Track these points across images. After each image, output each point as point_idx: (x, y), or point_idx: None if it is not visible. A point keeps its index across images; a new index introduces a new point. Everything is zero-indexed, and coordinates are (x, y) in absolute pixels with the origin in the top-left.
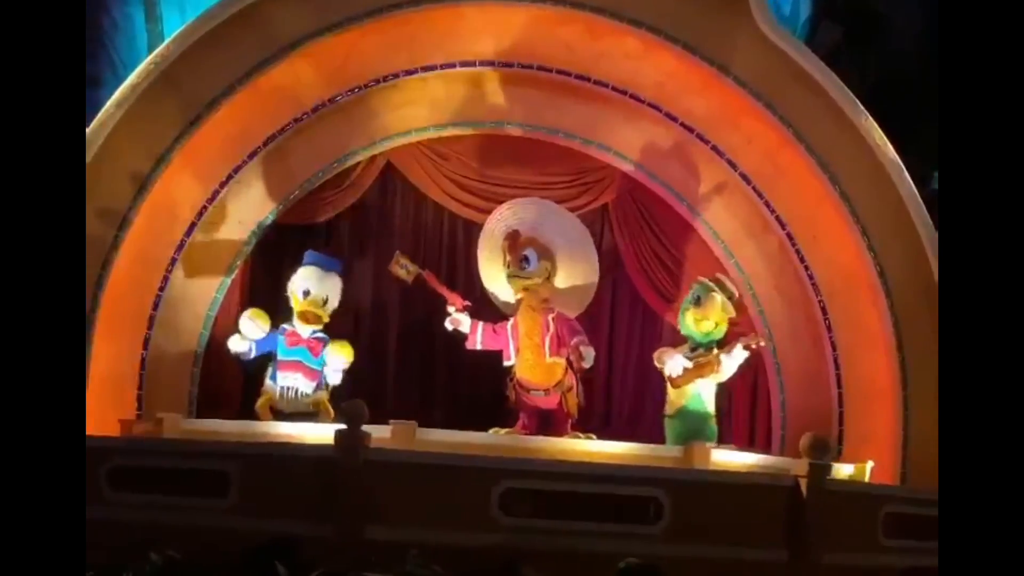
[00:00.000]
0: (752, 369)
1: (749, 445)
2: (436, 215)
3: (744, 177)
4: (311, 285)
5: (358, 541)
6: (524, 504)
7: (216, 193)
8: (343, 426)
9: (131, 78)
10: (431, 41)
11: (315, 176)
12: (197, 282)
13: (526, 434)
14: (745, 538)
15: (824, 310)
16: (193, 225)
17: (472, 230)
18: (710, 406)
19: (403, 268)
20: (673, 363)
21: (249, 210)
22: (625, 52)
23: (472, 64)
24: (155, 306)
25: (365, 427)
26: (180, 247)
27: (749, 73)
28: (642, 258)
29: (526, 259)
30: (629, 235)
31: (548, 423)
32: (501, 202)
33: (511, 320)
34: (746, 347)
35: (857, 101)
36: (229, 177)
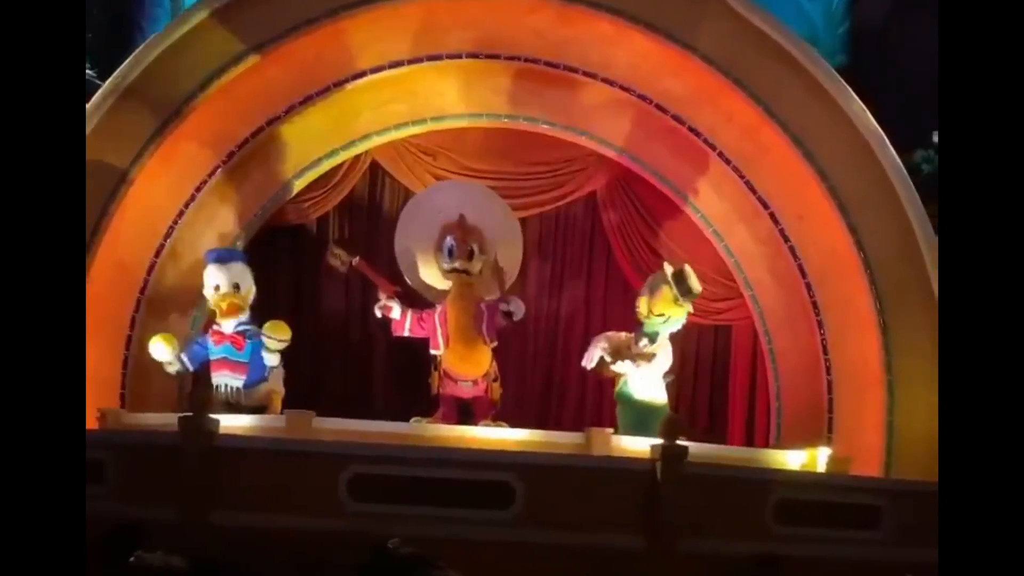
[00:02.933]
0: (750, 359)
1: (748, 437)
2: None
3: (724, 158)
4: (217, 279)
5: (204, 526)
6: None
7: (194, 196)
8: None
9: (102, 90)
10: (400, 37)
11: (298, 176)
12: (183, 284)
13: (445, 422)
14: (601, 524)
15: (812, 293)
16: (172, 229)
17: None
18: (653, 395)
19: (336, 258)
20: (588, 353)
21: (233, 211)
22: (597, 36)
23: (439, 57)
24: (136, 308)
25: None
26: (159, 251)
27: (718, 49)
28: (632, 246)
29: (472, 252)
30: (618, 223)
31: (469, 413)
32: None
33: (438, 308)
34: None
35: (833, 71)
36: (204, 182)
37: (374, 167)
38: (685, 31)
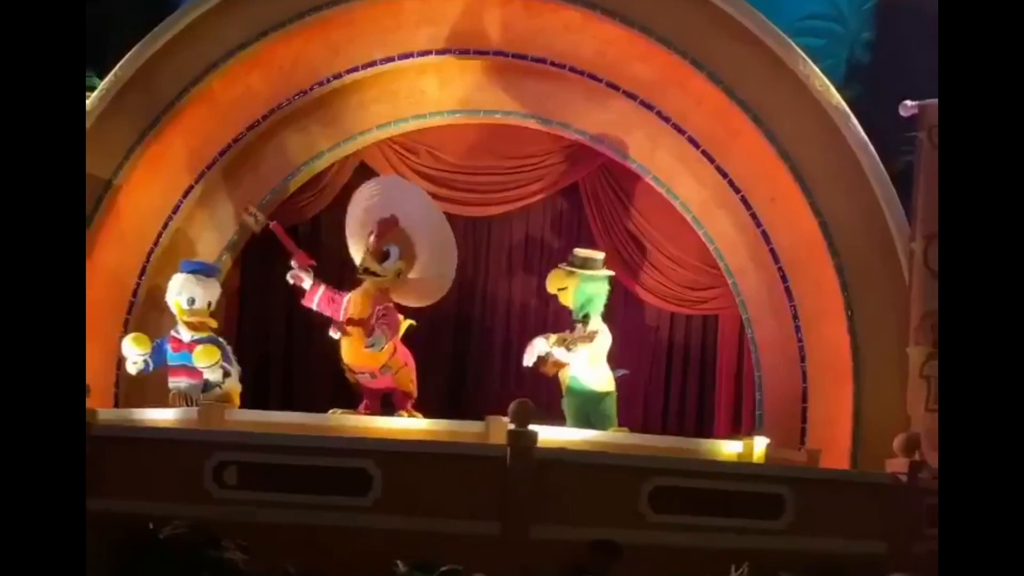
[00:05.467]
0: (736, 348)
1: (735, 428)
2: None
3: (695, 142)
4: (195, 293)
5: None
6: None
7: (180, 203)
8: None
9: (91, 98)
10: (372, 38)
11: (286, 180)
12: None
13: (368, 414)
14: (458, 510)
15: (785, 278)
16: (161, 234)
17: (453, 225)
18: (596, 386)
19: (252, 216)
20: (528, 352)
21: (226, 216)
22: (563, 25)
23: (410, 55)
24: (129, 311)
25: None
26: (150, 256)
27: (674, 30)
28: (614, 236)
29: (387, 254)
30: (600, 213)
31: (390, 403)
32: (473, 192)
33: (349, 294)
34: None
35: (794, 45)
36: (191, 188)
37: (363, 167)
38: (641, 13)
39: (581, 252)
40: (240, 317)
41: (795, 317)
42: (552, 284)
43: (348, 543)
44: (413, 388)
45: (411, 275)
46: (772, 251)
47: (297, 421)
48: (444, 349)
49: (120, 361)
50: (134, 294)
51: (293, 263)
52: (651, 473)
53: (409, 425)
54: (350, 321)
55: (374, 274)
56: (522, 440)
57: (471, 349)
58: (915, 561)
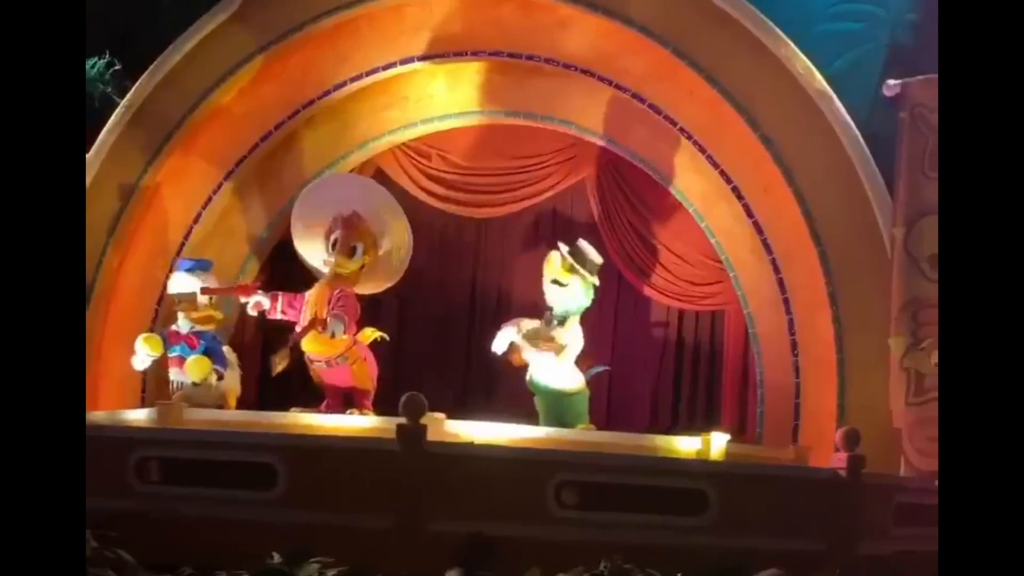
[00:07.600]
0: (743, 345)
1: (740, 426)
2: (431, 214)
3: (687, 133)
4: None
5: None
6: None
7: (200, 213)
8: None
9: (116, 111)
10: (376, 45)
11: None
12: None
13: (329, 412)
14: (357, 505)
15: (778, 270)
16: (183, 244)
17: (465, 225)
18: (563, 383)
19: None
20: (498, 338)
21: (246, 224)
22: (558, 22)
23: (411, 60)
24: (155, 317)
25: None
26: (173, 264)
27: (652, 17)
28: (620, 232)
29: (354, 250)
30: (605, 210)
31: (351, 401)
32: (484, 193)
33: (308, 293)
34: None
35: (775, 28)
36: (210, 198)
37: (379, 174)
38: (620, 3)
39: (590, 252)
40: (265, 320)
41: (788, 310)
42: (551, 270)
43: (253, 537)
44: (371, 385)
45: (372, 265)
46: (765, 242)
47: (249, 419)
48: (452, 349)
49: None
50: (159, 302)
51: (242, 299)
52: (556, 467)
53: (352, 422)
54: (313, 321)
55: (341, 267)
56: (411, 434)
57: (479, 349)
58: (860, 561)
